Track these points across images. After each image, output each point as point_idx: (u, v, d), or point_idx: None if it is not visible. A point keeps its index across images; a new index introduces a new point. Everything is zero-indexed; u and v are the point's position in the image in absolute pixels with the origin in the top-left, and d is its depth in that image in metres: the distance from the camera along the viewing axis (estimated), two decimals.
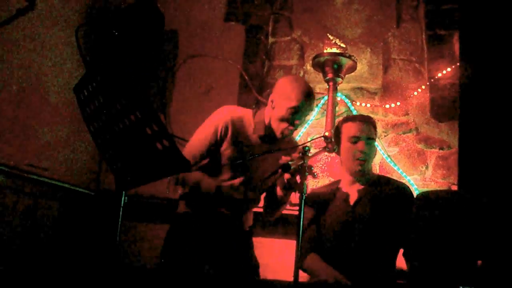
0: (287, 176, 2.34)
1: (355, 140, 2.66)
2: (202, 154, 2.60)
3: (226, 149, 2.60)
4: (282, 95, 2.54)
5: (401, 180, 3.69)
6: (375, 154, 2.80)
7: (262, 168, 2.64)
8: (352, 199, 2.67)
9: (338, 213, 2.64)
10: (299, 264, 2.21)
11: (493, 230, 2.13)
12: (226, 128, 2.59)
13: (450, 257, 2.11)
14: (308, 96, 2.53)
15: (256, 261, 2.78)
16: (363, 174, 2.70)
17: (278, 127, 2.56)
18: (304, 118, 2.60)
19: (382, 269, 2.51)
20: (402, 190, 2.69)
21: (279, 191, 2.58)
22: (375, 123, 2.77)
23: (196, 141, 2.63)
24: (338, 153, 2.76)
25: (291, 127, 2.55)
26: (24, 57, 3.42)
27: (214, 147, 2.60)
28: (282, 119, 2.54)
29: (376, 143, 3.73)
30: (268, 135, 2.63)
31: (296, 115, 2.52)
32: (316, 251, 2.61)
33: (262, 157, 2.56)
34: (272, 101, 2.60)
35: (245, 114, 2.69)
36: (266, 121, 2.63)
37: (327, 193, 2.76)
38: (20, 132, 3.39)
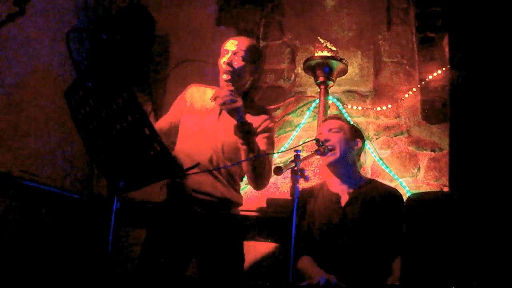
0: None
1: None
2: (168, 128, 2.82)
3: (185, 119, 2.78)
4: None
5: (393, 182, 3.72)
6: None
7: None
8: (343, 200, 2.68)
9: (327, 214, 2.65)
10: (292, 267, 2.21)
11: (484, 231, 2.14)
12: (184, 100, 2.82)
13: (441, 258, 2.12)
14: (236, 36, 2.86)
15: (242, 254, 2.70)
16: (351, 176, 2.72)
17: (221, 67, 2.72)
18: (244, 56, 2.71)
19: (372, 271, 2.52)
20: (392, 194, 2.71)
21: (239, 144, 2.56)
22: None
23: (163, 117, 2.93)
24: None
25: (226, 60, 2.68)
26: (14, 62, 3.40)
27: (177, 121, 2.81)
28: (221, 60, 2.73)
29: (367, 145, 3.74)
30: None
31: (228, 51, 2.71)
32: (306, 251, 2.61)
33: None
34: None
35: (209, 88, 2.86)
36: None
37: (315, 192, 2.77)
38: (11, 138, 3.37)
